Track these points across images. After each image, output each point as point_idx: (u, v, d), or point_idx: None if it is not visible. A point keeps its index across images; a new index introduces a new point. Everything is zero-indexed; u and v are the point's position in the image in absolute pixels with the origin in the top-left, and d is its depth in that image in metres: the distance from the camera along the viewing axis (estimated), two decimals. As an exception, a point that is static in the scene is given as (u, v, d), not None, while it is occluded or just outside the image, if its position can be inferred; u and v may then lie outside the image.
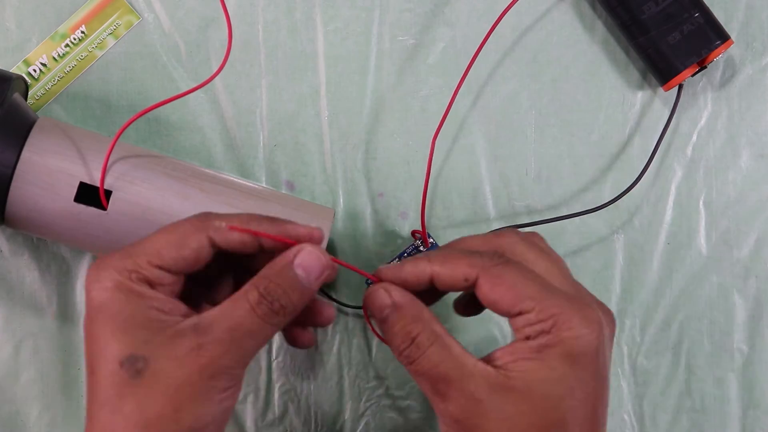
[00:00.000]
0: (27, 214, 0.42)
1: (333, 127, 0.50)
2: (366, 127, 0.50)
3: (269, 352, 0.50)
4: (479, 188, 0.50)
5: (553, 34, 0.51)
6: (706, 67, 0.49)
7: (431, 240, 0.49)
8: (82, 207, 0.42)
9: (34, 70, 0.49)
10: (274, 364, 0.50)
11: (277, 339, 0.50)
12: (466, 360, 0.35)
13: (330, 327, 0.50)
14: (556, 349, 0.35)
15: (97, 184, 0.42)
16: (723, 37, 0.48)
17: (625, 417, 0.50)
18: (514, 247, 0.38)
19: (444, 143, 0.50)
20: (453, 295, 0.42)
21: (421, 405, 0.50)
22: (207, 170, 0.46)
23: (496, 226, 0.50)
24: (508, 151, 0.50)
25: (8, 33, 0.49)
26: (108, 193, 0.42)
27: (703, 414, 0.50)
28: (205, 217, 0.37)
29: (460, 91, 0.47)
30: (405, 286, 0.37)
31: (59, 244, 0.49)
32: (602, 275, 0.50)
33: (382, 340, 0.38)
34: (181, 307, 0.36)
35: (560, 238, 0.50)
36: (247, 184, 0.46)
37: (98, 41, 0.49)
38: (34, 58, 0.49)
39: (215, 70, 0.44)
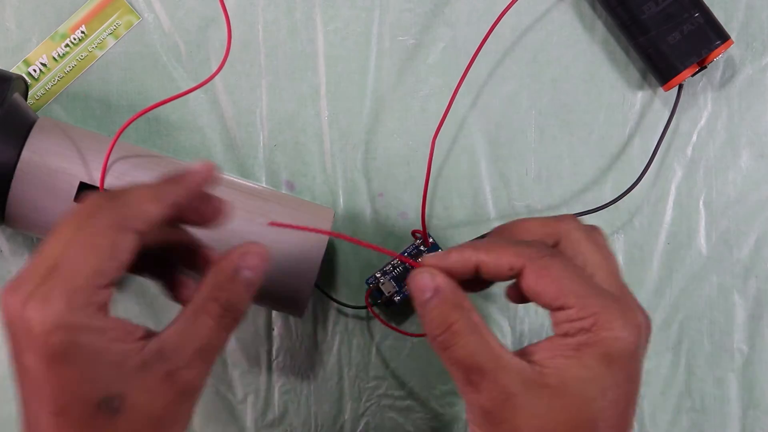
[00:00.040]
0: (27, 214, 0.42)
1: (333, 127, 0.50)
2: (366, 127, 0.50)
3: (269, 352, 0.50)
4: (479, 188, 0.50)
5: (553, 34, 0.51)
6: (706, 67, 0.49)
7: (431, 240, 0.49)
8: None
9: (34, 70, 0.49)
10: (274, 364, 0.50)
11: (277, 339, 0.50)
12: (502, 353, 0.35)
13: (330, 327, 0.50)
14: (594, 348, 0.34)
15: (97, 184, 0.42)
16: (723, 37, 0.48)
17: (625, 417, 0.50)
18: (570, 234, 0.37)
19: (444, 143, 0.50)
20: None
21: (421, 405, 0.50)
22: None
23: (495, 225, 0.50)
24: (508, 151, 0.50)
25: (8, 33, 0.49)
26: None
27: (703, 414, 0.50)
28: (121, 211, 0.34)
29: (460, 91, 0.47)
30: (450, 273, 0.37)
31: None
32: (602, 275, 0.50)
33: (389, 326, 0.38)
34: (132, 327, 0.34)
35: (560, 238, 0.50)
36: (247, 184, 0.46)
37: (98, 41, 0.50)
38: (34, 58, 0.49)
39: (215, 70, 0.44)
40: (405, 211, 0.50)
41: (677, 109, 0.49)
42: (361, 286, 0.50)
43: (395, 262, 0.48)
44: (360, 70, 0.50)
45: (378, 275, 0.48)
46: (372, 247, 0.40)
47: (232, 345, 0.50)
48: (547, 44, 0.51)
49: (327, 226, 0.45)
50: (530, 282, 0.36)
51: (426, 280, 0.36)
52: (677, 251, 0.51)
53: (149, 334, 0.34)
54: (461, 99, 0.50)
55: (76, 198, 0.42)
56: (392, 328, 0.49)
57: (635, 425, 0.50)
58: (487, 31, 0.47)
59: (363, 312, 0.50)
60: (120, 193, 0.34)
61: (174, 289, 0.40)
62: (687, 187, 0.51)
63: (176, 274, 0.40)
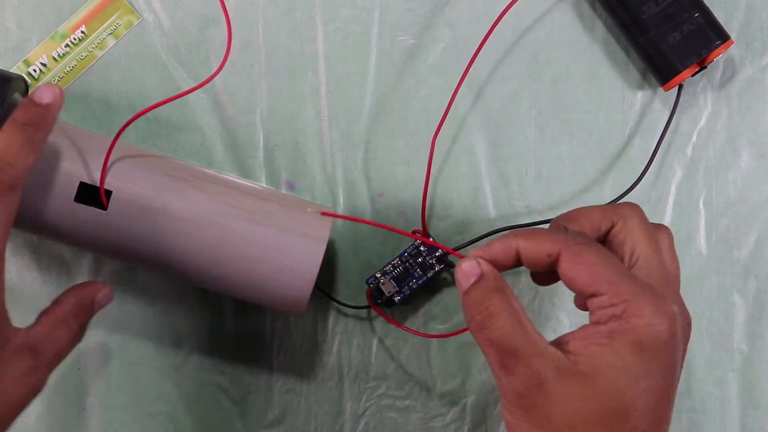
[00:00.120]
0: (27, 214, 0.42)
1: (333, 127, 0.50)
2: (366, 127, 0.50)
3: (269, 352, 0.50)
4: (479, 188, 0.50)
5: (553, 34, 0.51)
6: (706, 67, 0.49)
7: (431, 239, 0.49)
8: (82, 207, 0.42)
9: (34, 70, 0.49)
10: (274, 365, 0.50)
11: (277, 339, 0.50)
12: (538, 339, 0.35)
13: (330, 327, 0.50)
14: (625, 335, 0.34)
15: (97, 184, 0.42)
16: (723, 37, 0.48)
17: (625, 417, 0.50)
18: (626, 220, 0.38)
19: (444, 143, 0.50)
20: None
21: (421, 405, 0.50)
22: (207, 170, 0.46)
23: (496, 226, 0.50)
24: (508, 151, 0.50)
25: (8, 33, 0.49)
26: (108, 193, 0.42)
27: (703, 414, 0.50)
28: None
29: (460, 91, 0.47)
30: (494, 262, 0.38)
31: (59, 245, 0.49)
32: (602, 275, 0.50)
33: (394, 323, 0.38)
34: (4, 314, 0.37)
35: (560, 238, 0.50)
36: (247, 184, 0.46)
37: (98, 41, 0.49)
38: (34, 58, 0.49)
39: (215, 70, 0.44)
40: (405, 211, 0.50)
41: (677, 109, 0.49)
42: (361, 286, 0.50)
43: (395, 262, 0.48)
44: (360, 70, 0.50)
45: (378, 275, 0.48)
46: (395, 231, 0.43)
47: (232, 345, 0.50)
48: (547, 44, 0.51)
49: (327, 225, 0.45)
50: (565, 268, 0.36)
51: (472, 267, 0.37)
52: (677, 251, 0.50)
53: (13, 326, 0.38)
54: (461, 99, 0.50)
55: (77, 198, 0.42)
56: (397, 324, 0.49)
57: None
58: (487, 31, 0.47)
59: (363, 312, 0.50)
60: None
61: None
62: (687, 187, 0.51)
63: None
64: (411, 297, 0.49)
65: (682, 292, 0.50)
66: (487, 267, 0.38)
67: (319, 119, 0.50)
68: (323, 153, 0.50)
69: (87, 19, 0.49)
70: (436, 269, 0.48)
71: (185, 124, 0.50)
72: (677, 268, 0.39)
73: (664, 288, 0.37)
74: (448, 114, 0.47)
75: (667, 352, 0.35)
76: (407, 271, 0.48)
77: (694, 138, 0.51)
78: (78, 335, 0.41)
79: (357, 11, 0.50)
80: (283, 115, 0.50)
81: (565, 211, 0.50)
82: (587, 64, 0.51)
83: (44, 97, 0.40)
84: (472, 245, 0.49)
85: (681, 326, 0.36)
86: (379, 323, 0.50)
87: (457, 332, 0.48)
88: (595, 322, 0.36)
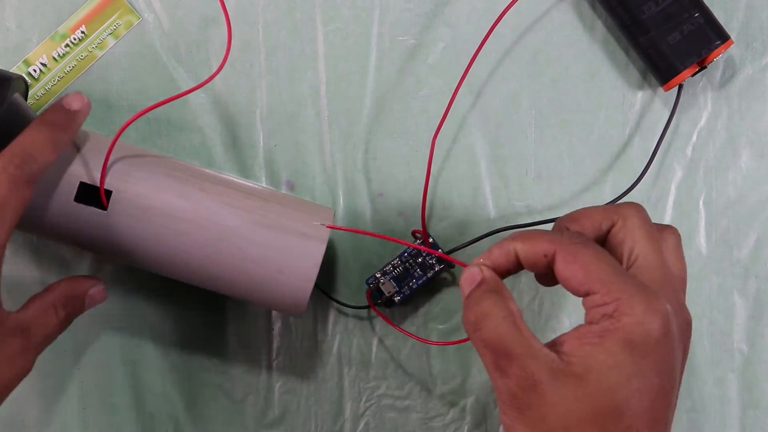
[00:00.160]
0: (27, 214, 0.42)
1: (333, 127, 0.50)
2: (366, 127, 0.50)
3: (269, 352, 0.50)
4: (479, 188, 0.50)
5: (553, 34, 0.51)
6: (706, 67, 0.49)
7: (431, 240, 0.49)
8: (82, 207, 0.42)
9: (34, 70, 0.49)
10: (274, 365, 0.50)
11: (277, 339, 0.50)
12: (532, 341, 0.36)
13: (330, 327, 0.50)
14: (616, 334, 0.34)
15: (97, 184, 0.42)
16: (723, 37, 0.48)
17: (625, 417, 0.50)
18: (626, 219, 0.38)
19: (444, 143, 0.50)
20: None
21: (421, 405, 0.50)
22: (207, 170, 0.46)
23: (496, 225, 0.50)
24: (508, 151, 0.50)
25: (8, 33, 0.49)
26: (108, 193, 0.42)
27: (703, 414, 0.50)
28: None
29: (460, 91, 0.47)
30: (496, 268, 0.38)
31: (59, 245, 0.49)
32: (602, 275, 0.50)
33: (393, 325, 0.38)
34: None
35: (560, 238, 0.50)
36: (247, 184, 0.46)
37: (98, 41, 0.50)
38: (34, 58, 0.49)
39: (215, 70, 0.44)
40: (405, 211, 0.50)
41: (677, 109, 0.49)
42: (361, 286, 0.50)
43: (395, 262, 0.48)
44: (360, 70, 0.50)
45: (378, 275, 0.48)
46: (399, 241, 0.42)
47: (232, 345, 0.50)
48: (547, 44, 0.51)
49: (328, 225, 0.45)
50: (560, 267, 0.36)
51: (474, 273, 0.38)
52: (677, 251, 0.51)
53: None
54: (461, 99, 0.50)
55: (77, 198, 0.42)
56: (397, 327, 0.49)
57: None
58: (487, 31, 0.47)
59: (363, 312, 0.50)
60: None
61: None
62: (687, 187, 0.51)
63: None
64: (411, 297, 0.49)
65: (682, 292, 0.51)
66: (488, 272, 0.38)
67: (319, 119, 0.50)
68: (323, 153, 0.50)
69: (87, 19, 0.49)
70: (436, 269, 0.48)
71: (185, 124, 0.50)
72: (683, 269, 0.39)
73: (663, 287, 0.36)
74: (448, 114, 0.47)
75: (660, 351, 0.35)
76: (407, 271, 0.48)
77: (694, 138, 0.51)
78: (65, 323, 0.43)
79: (357, 11, 0.50)
80: (283, 115, 0.50)
81: (564, 210, 0.50)
82: (587, 64, 0.51)
83: (73, 103, 0.43)
84: (472, 246, 0.49)
85: (678, 326, 0.36)
86: (380, 323, 0.50)
87: (458, 341, 0.48)
88: (588, 322, 0.36)
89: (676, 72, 0.48)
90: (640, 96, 0.51)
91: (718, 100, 0.51)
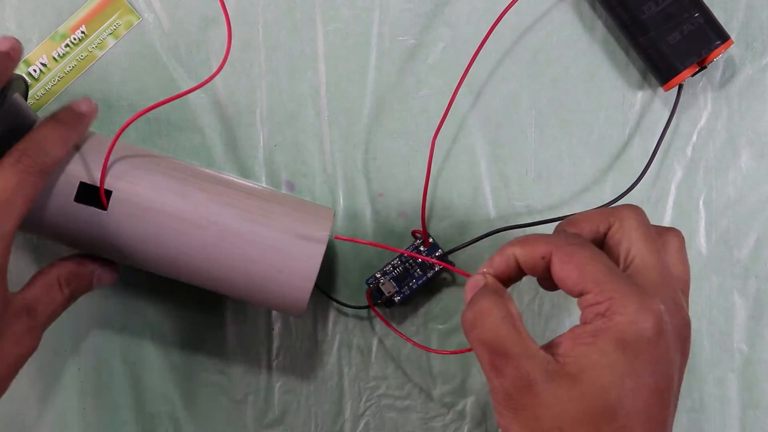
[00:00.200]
0: (31, 214, 0.42)
1: (333, 127, 0.50)
2: (366, 127, 0.50)
3: (269, 352, 0.50)
4: (479, 188, 0.50)
5: (553, 34, 0.51)
6: (706, 67, 0.49)
7: (431, 240, 0.49)
8: (82, 207, 0.42)
9: (34, 70, 0.49)
10: (274, 365, 0.50)
11: (277, 339, 0.50)
12: (529, 343, 0.36)
13: (330, 327, 0.50)
14: (608, 333, 0.34)
15: (97, 184, 0.42)
16: (723, 37, 0.48)
17: (625, 417, 0.50)
18: (623, 220, 0.38)
19: (444, 143, 0.50)
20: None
21: (421, 405, 0.50)
22: (207, 170, 0.46)
23: (496, 225, 0.50)
24: (508, 151, 0.50)
25: (8, 33, 0.49)
26: (108, 193, 0.42)
27: (703, 414, 0.50)
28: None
29: (460, 91, 0.47)
30: (499, 276, 0.39)
31: (59, 245, 0.49)
32: (602, 275, 0.50)
33: (392, 328, 0.38)
34: (4, 279, 0.40)
35: (560, 238, 0.50)
36: (247, 184, 0.46)
37: (98, 41, 0.50)
38: (34, 58, 0.49)
39: (215, 69, 0.44)
40: (405, 211, 0.50)
41: (677, 109, 0.49)
42: (361, 286, 0.50)
43: (395, 262, 0.48)
44: (360, 70, 0.50)
45: (378, 275, 0.48)
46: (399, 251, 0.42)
47: (232, 345, 0.50)
48: (547, 44, 0.51)
49: (327, 226, 0.45)
50: (557, 268, 0.37)
51: (478, 279, 0.39)
52: (677, 251, 0.51)
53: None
54: (461, 99, 0.50)
55: (77, 198, 0.42)
56: (394, 330, 0.49)
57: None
58: (487, 31, 0.47)
59: (363, 312, 0.50)
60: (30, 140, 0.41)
61: None
62: (687, 187, 0.51)
63: None
64: (411, 297, 0.49)
65: (682, 292, 0.51)
66: (491, 278, 0.39)
67: (319, 119, 0.50)
68: (323, 153, 0.50)
69: (87, 19, 0.49)
70: (436, 269, 0.48)
71: (185, 124, 0.50)
72: (685, 271, 0.39)
73: (659, 288, 0.36)
74: (448, 114, 0.47)
75: (653, 350, 0.35)
76: (407, 272, 0.48)
77: (694, 138, 0.51)
78: (70, 299, 0.44)
79: (357, 11, 0.50)
80: (283, 115, 0.50)
81: (564, 210, 0.50)
82: (587, 64, 0.51)
83: (82, 106, 0.44)
84: (472, 246, 0.49)
85: (674, 327, 0.35)
86: (380, 323, 0.50)
87: (457, 351, 0.48)
88: (583, 322, 0.36)
89: (676, 72, 0.48)
90: (640, 96, 0.51)
91: (718, 100, 0.51)
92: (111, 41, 0.50)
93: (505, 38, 0.50)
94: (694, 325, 0.51)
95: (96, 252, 0.46)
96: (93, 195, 0.42)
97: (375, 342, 0.50)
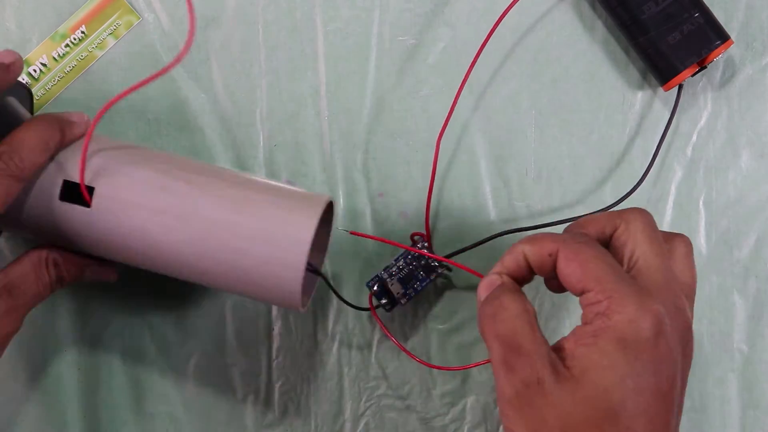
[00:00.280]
0: (16, 216, 0.42)
1: (333, 127, 0.50)
2: (366, 126, 0.50)
3: (269, 352, 0.50)
4: (479, 188, 0.50)
5: (553, 34, 0.51)
6: (706, 67, 0.49)
7: (431, 240, 0.49)
8: (68, 206, 0.41)
9: (34, 70, 0.49)
10: (274, 364, 0.50)
11: (277, 339, 0.50)
12: (542, 342, 0.36)
13: (330, 327, 0.50)
14: (608, 332, 0.35)
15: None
16: (723, 37, 0.48)
17: (625, 417, 0.50)
18: (629, 223, 0.38)
19: (444, 143, 0.50)
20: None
21: (422, 405, 0.50)
22: (194, 161, 0.44)
23: (496, 226, 0.50)
24: (508, 152, 0.50)
25: (8, 33, 0.49)
26: (90, 190, 0.41)
27: (703, 414, 0.50)
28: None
29: (460, 91, 0.47)
30: (510, 275, 0.39)
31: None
32: (602, 275, 0.50)
33: (390, 336, 0.38)
34: None
35: (560, 238, 0.50)
36: (238, 174, 0.45)
37: (98, 41, 0.50)
38: (35, 58, 0.49)
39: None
40: (405, 211, 0.50)
41: (677, 109, 0.49)
42: (362, 286, 0.50)
43: (400, 264, 0.48)
44: (360, 70, 0.50)
45: (384, 276, 0.48)
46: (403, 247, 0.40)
47: (232, 345, 0.50)
48: (547, 44, 0.51)
49: (317, 213, 0.42)
50: (561, 265, 0.37)
51: (493, 279, 0.39)
52: (677, 251, 0.51)
53: None
54: (461, 99, 0.50)
55: (62, 197, 0.41)
56: (394, 341, 0.49)
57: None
58: (488, 32, 0.47)
59: (363, 312, 0.50)
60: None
61: None
62: (687, 187, 0.51)
63: None
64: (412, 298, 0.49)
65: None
66: (506, 278, 0.39)
67: (319, 119, 0.50)
68: (323, 153, 0.50)
69: (87, 19, 0.49)
70: (439, 271, 0.48)
71: (185, 124, 0.50)
72: (691, 277, 0.39)
73: (661, 290, 0.36)
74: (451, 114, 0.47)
75: (653, 351, 0.35)
76: (411, 273, 0.48)
77: (694, 138, 0.51)
78: (56, 283, 0.43)
79: (357, 11, 0.50)
80: (283, 115, 0.50)
81: (564, 211, 0.50)
82: (587, 64, 0.51)
83: (73, 116, 0.43)
84: (472, 249, 0.49)
85: (674, 329, 0.35)
86: (380, 323, 0.50)
87: (459, 368, 0.48)
88: (584, 322, 0.36)
89: (676, 72, 0.48)
90: (640, 96, 0.51)
91: (718, 100, 0.51)
92: (111, 41, 0.50)
93: (506, 38, 0.50)
94: (694, 326, 0.51)
95: (85, 250, 0.45)
96: (77, 193, 0.42)
97: (375, 342, 0.50)
